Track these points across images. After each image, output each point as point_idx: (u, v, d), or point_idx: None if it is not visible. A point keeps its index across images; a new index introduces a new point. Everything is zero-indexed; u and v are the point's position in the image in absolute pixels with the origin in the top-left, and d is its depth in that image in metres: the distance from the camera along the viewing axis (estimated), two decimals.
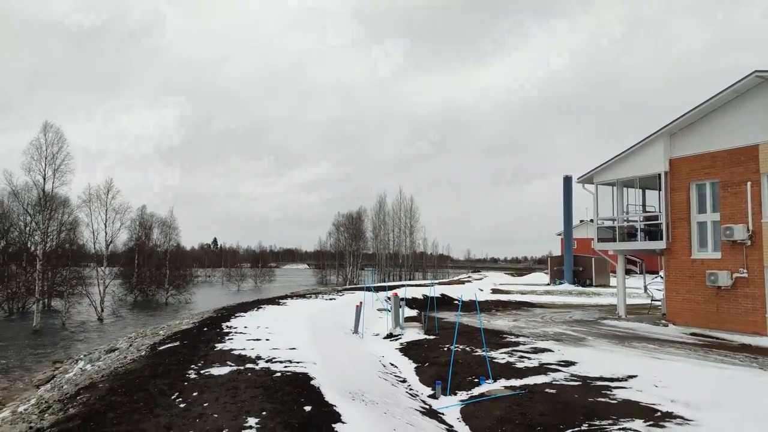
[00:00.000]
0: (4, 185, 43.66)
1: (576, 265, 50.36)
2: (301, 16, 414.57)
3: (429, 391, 11.68)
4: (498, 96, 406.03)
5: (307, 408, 7.85)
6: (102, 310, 38.66)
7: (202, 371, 10.50)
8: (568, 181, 48.68)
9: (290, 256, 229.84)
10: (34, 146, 33.88)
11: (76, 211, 45.10)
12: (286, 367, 10.98)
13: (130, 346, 17.83)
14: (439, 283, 48.28)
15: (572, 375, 12.09)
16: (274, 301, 31.30)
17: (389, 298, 25.42)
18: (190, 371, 10.57)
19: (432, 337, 18.59)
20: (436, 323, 20.88)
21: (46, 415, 8.77)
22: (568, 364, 13.38)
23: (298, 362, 11.58)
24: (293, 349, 13.38)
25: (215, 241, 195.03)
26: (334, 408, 8.03)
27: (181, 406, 7.92)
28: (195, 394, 8.60)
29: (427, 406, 10.30)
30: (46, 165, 33.81)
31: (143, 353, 14.43)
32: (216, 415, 7.34)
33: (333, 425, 7.11)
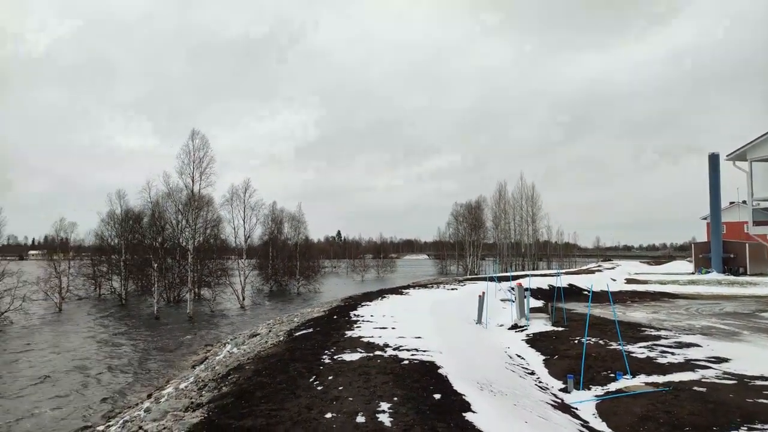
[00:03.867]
0: (162, 186, 49.49)
1: (726, 252, 45.14)
2: (444, 7, 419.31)
3: (560, 384, 11.24)
4: (649, 71, 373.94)
5: (437, 396, 7.97)
6: (243, 299, 42.39)
7: (335, 356, 11.10)
8: (714, 159, 43.73)
9: (410, 247, 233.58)
10: (184, 151, 38.03)
11: (219, 209, 49.86)
12: (413, 355, 11.22)
13: (270, 331, 19.35)
14: (566, 273, 46.04)
15: (725, 373, 10.91)
16: (397, 290, 32.05)
17: (513, 289, 24.80)
18: (324, 356, 11.23)
19: (560, 328, 17.84)
20: (564, 314, 19.99)
21: (204, 392, 9.86)
22: (720, 360, 12.09)
23: (424, 351, 11.77)
24: (419, 338, 13.62)
25: (339, 233, 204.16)
26: (464, 397, 8.06)
27: (319, 388, 8.44)
28: (330, 377, 9.13)
29: (559, 400, 9.93)
30: (193, 168, 37.78)
31: (281, 338, 15.61)
32: (351, 399, 7.72)
33: (463, 414, 7.14)
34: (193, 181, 38.10)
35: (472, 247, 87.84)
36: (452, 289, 32.06)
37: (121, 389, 16.83)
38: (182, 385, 12.97)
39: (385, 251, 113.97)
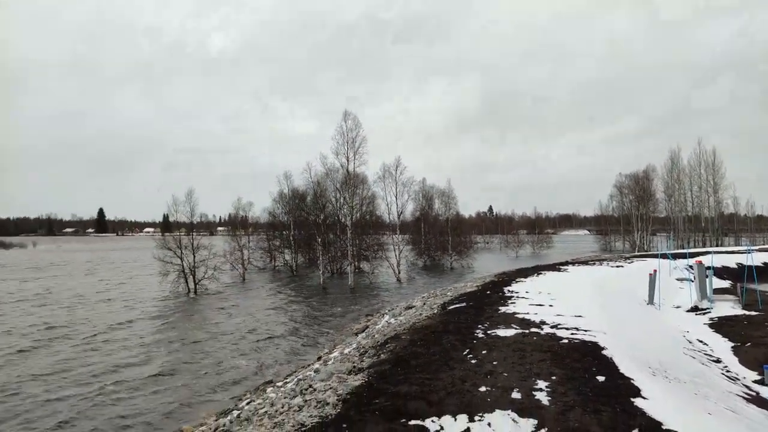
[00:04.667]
0: (320, 167, 53.14)
1: None
2: None
3: (754, 375, 9.78)
4: None
5: (600, 378, 7.43)
6: (399, 272, 43.98)
7: (488, 331, 10.97)
8: None
9: (568, 221, 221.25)
10: (338, 132, 40.21)
11: (372, 186, 52.09)
12: (573, 334, 10.61)
13: (424, 304, 19.82)
14: (759, 250, 39.77)
15: None
16: (554, 267, 30.60)
17: (691, 267, 22.13)
18: (477, 330, 11.16)
19: (753, 312, 15.50)
20: (758, 297, 17.29)
21: (365, 358, 10.46)
22: None
23: (585, 330, 11.06)
24: (579, 316, 12.84)
25: (491, 208, 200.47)
26: (632, 381, 7.40)
27: (472, 361, 8.41)
28: (484, 352, 9.04)
29: (753, 393, 8.64)
30: (347, 148, 39.83)
31: (435, 311, 15.88)
32: (506, 374, 7.56)
33: (632, 399, 6.56)
34: (348, 160, 40.19)
35: (639, 221, 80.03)
36: (618, 266, 29.68)
37: (296, 350, 18.69)
38: (346, 351, 13.93)
39: (540, 226, 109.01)
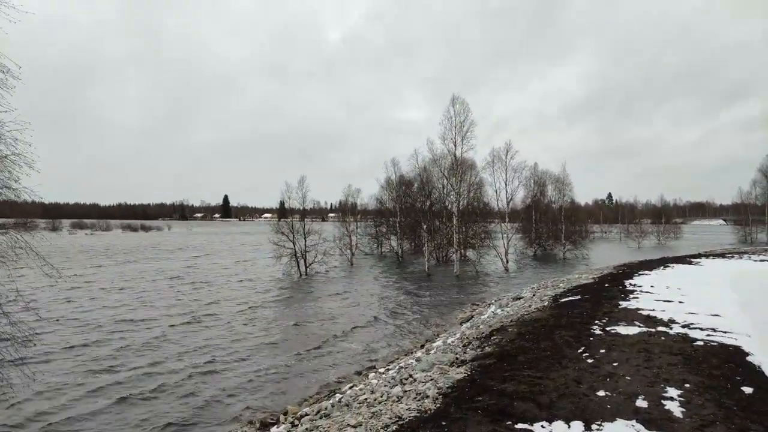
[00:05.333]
0: (427, 153, 52.78)
1: None
2: None
3: None
4: None
5: (747, 389, 6.32)
6: (507, 261, 42.47)
7: (607, 328, 9.95)
8: None
9: (700, 210, 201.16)
10: (446, 117, 39.43)
11: (481, 172, 50.67)
12: (708, 335, 9.28)
13: (534, 296, 18.78)
14: None
15: None
16: (683, 259, 27.71)
17: None
18: (594, 326, 10.19)
19: None
20: None
21: (468, 349, 9.98)
22: None
23: (724, 332, 9.64)
24: (716, 315, 11.28)
25: (610, 196, 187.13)
26: None
27: (589, 361, 7.61)
28: (602, 351, 8.16)
29: None
30: (455, 133, 38.95)
31: (545, 303, 14.90)
32: (628, 378, 6.71)
33: None
34: (455, 146, 39.33)
35: None
36: (761, 260, 26.12)
37: (399, 336, 18.65)
38: (449, 340, 13.53)
39: (667, 215, 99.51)
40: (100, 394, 12.20)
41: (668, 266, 23.24)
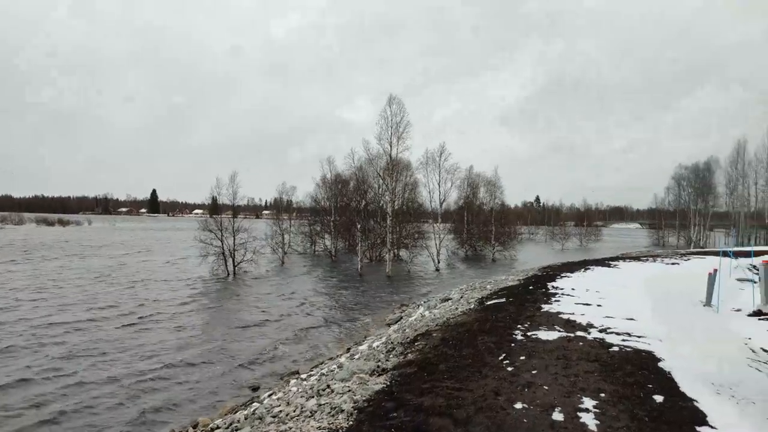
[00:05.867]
0: (363, 153, 52.53)
1: None
2: None
3: None
4: None
5: (658, 398, 6.37)
6: (438, 262, 43.02)
7: (528, 333, 9.97)
8: None
9: (618, 214, 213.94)
10: (382, 117, 39.37)
11: (415, 173, 51.07)
12: (624, 340, 9.48)
13: (461, 297, 18.88)
14: None
15: None
16: (603, 262, 28.97)
17: (755, 267, 20.24)
18: (516, 331, 10.19)
19: None
20: None
21: (391, 356, 9.68)
22: None
23: (638, 336, 9.90)
24: (631, 319, 11.64)
25: (538, 198, 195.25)
26: (694, 403, 6.32)
27: (509, 369, 7.49)
28: (522, 358, 8.09)
29: None
30: (391, 133, 38.95)
31: (472, 306, 14.93)
32: (546, 388, 6.62)
33: (697, 428, 5.51)
34: (390, 146, 39.35)
35: (697, 216, 75.73)
36: (672, 263, 27.77)
37: (327, 338, 18.22)
38: (375, 344, 13.23)
39: (589, 218, 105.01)
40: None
41: (588, 269, 24.16)
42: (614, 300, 14.53)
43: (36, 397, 11.75)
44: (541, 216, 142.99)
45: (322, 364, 13.77)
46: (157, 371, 13.94)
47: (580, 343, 9.12)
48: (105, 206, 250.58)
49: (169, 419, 10.82)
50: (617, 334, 10.04)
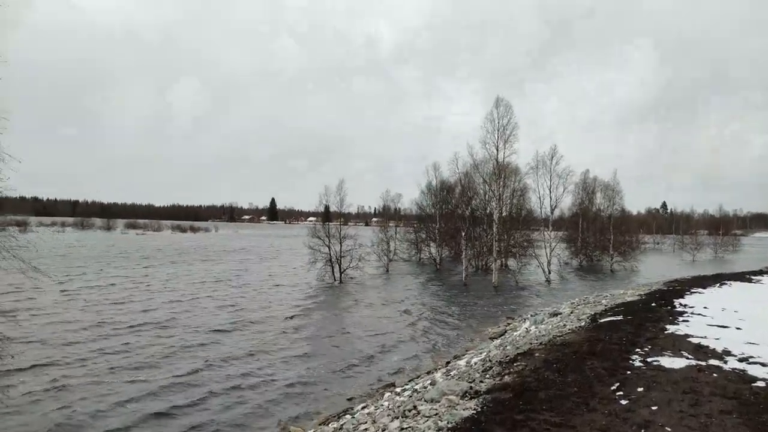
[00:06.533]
0: (467, 158, 51.34)
1: None
2: None
3: None
4: None
5: None
6: (549, 272, 40.62)
7: (648, 359, 8.68)
8: None
9: (762, 221, 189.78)
10: (488, 120, 38.04)
11: (524, 178, 48.84)
12: None
13: (571, 313, 17.40)
14: None
15: None
16: (743, 276, 25.45)
17: None
18: (633, 356, 8.93)
19: None
20: None
21: (486, 376, 8.92)
22: None
23: None
24: None
25: (664, 204, 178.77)
26: None
27: (622, 402, 6.45)
28: (640, 389, 6.97)
29: None
30: (498, 137, 37.52)
31: (582, 324, 13.57)
32: (669, 430, 5.55)
33: None
34: (497, 150, 37.92)
35: None
36: None
37: (428, 349, 17.72)
38: (474, 360, 12.49)
39: (726, 226, 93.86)
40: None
41: (725, 284, 21.23)
42: (758, 322, 12.41)
43: (150, 391, 12.55)
44: (669, 223, 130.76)
45: (417, 378, 13.28)
46: (258, 374, 14.34)
47: (714, 375, 7.72)
48: (230, 214, 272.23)
49: (265, 426, 10.95)
50: (762, 365, 8.40)
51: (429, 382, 10.53)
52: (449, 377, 10.38)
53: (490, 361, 10.89)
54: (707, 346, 9.67)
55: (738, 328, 11.61)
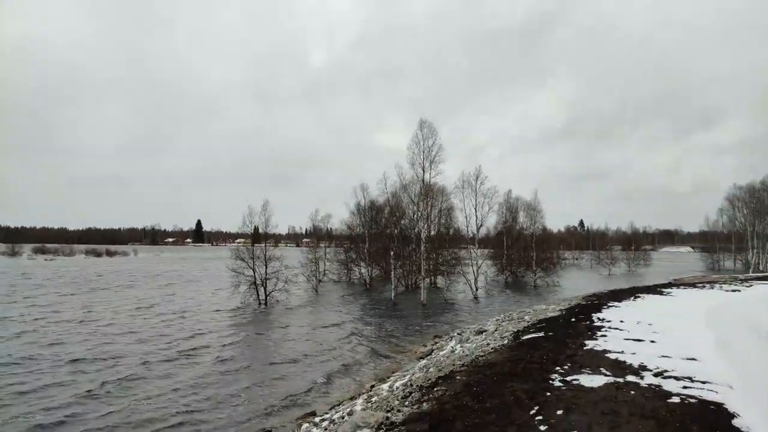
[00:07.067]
0: (396, 179, 51.58)
1: None
2: None
3: None
4: None
5: None
6: (476, 289, 41.16)
7: (568, 377, 8.48)
8: None
9: (668, 237, 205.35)
10: (414, 141, 38.35)
11: (451, 197, 49.63)
12: (685, 388, 7.87)
13: (496, 330, 17.33)
14: None
15: None
16: (654, 289, 26.71)
17: None
18: (553, 375, 8.71)
19: None
20: None
21: (406, 403, 8.38)
22: None
23: (703, 382, 8.25)
24: (692, 359, 9.92)
25: (581, 222, 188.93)
26: None
27: (541, 429, 6.08)
28: (559, 412, 6.66)
29: None
30: (423, 158, 37.84)
31: (505, 342, 13.40)
32: None
33: None
34: (423, 171, 38.23)
35: (755, 238, 70.80)
36: (734, 290, 25.25)
37: (353, 372, 16.99)
38: (397, 384, 11.94)
39: (637, 242, 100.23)
40: None
41: (638, 297, 22.12)
42: (670, 335, 12.74)
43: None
44: (586, 240, 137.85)
45: (339, 405, 12.54)
46: (181, 400, 13.03)
47: (632, 392, 7.58)
48: (153, 237, 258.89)
49: None
50: (677, 378, 8.42)
51: (348, 410, 9.84)
52: (369, 404, 9.76)
53: (411, 385, 10.37)
54: (624, 362, 9.66)
55: (652, 341, 11.82)
